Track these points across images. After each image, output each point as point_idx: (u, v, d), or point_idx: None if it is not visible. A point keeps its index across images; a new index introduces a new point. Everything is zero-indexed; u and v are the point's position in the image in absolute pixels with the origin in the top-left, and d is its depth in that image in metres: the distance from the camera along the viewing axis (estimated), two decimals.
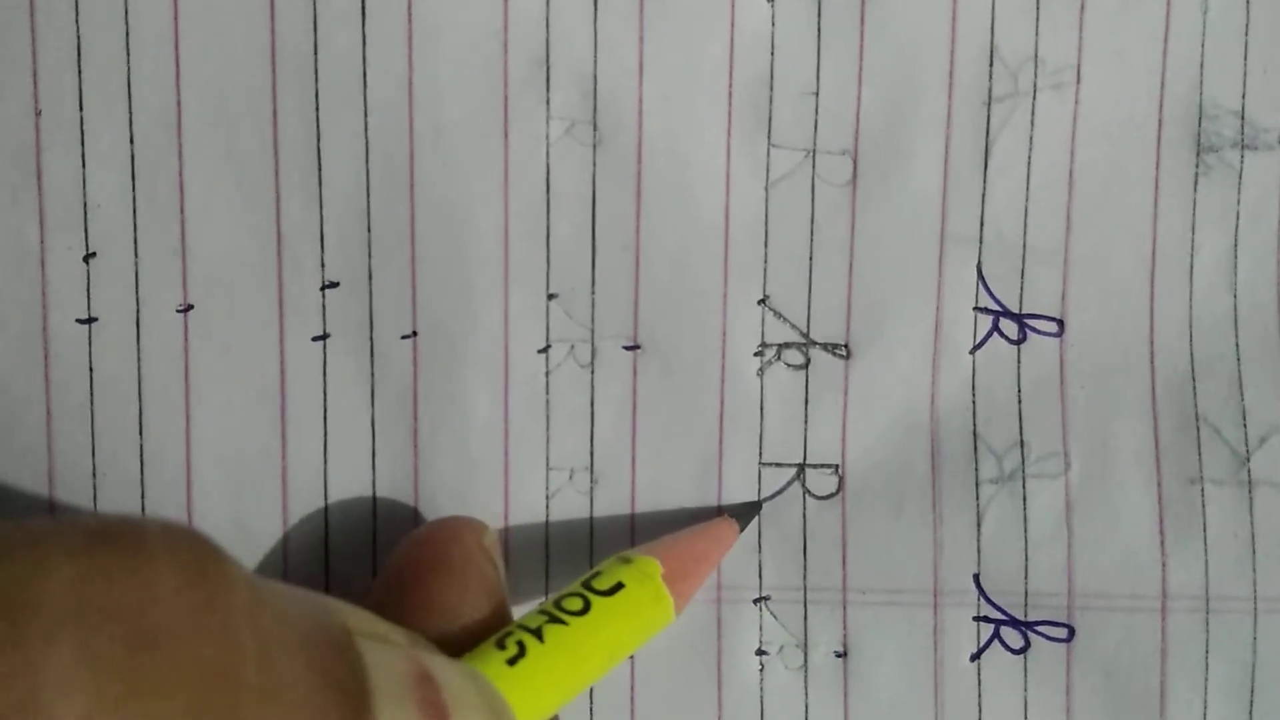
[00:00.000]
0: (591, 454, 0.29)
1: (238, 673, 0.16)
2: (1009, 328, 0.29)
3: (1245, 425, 0.29)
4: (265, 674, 0.17)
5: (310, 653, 0.18)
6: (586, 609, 0.25)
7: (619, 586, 0.25)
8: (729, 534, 0.29)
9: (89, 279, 0.28)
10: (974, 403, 0.29)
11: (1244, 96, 0.28)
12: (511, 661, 0.23)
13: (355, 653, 0.19)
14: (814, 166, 0.29)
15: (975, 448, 0.29)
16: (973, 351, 0.29)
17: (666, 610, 0.26)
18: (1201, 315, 0.29)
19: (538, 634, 0.24)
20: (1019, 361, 0.29)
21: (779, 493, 0.29)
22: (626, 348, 0.29)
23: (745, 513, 0.29)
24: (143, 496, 0.28)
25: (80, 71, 0.27)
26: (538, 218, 0.28)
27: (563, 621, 0.24)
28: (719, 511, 0.29)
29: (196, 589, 0.16)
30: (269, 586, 0.18)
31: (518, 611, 0.29)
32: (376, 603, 0.24)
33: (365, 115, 0.28)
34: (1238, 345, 0.29)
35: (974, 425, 0.29)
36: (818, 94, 0.28)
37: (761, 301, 0.29)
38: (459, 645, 0.24)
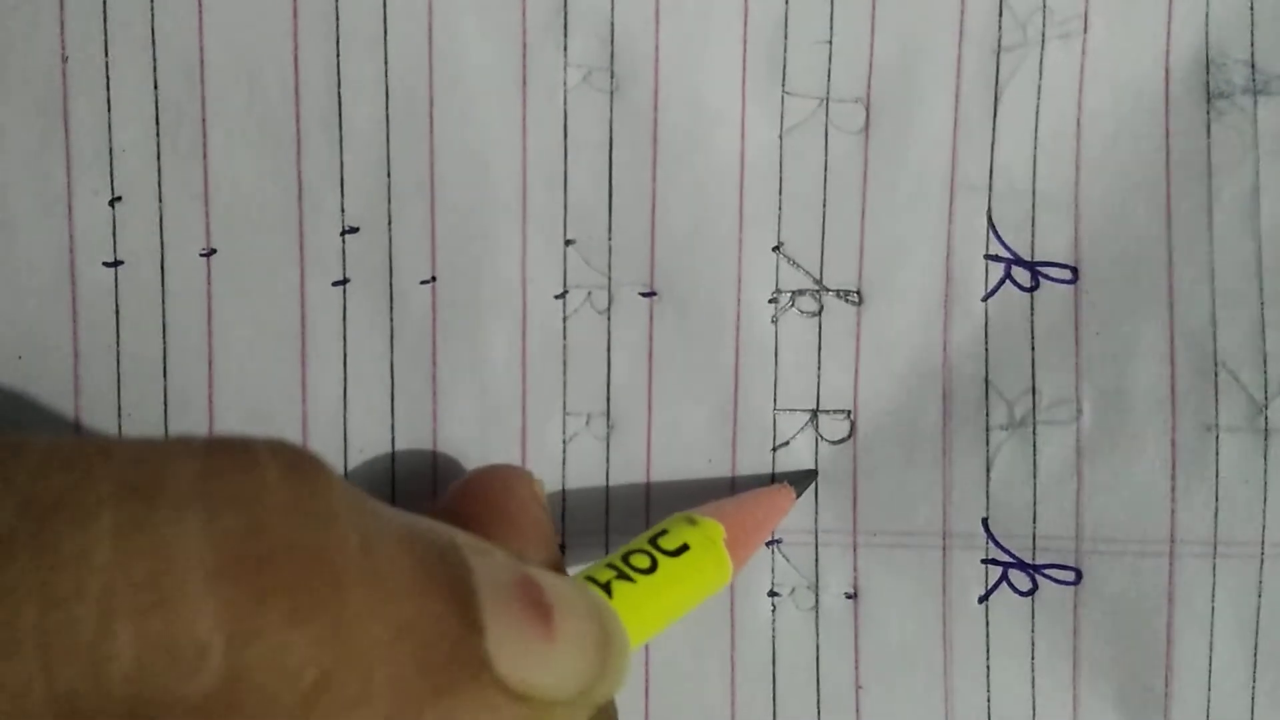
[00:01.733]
0: (608, 399, 0.30)
1: (341, 557, 0.18)
2: (1021, 275, 0.31)
3: (1265, 371, 0.30)
4: (368, 561, 0.18)
5: (414, 550, 0.20)
6: (653, 568, 0.26)
7: (684, 548, 0.27)
8: (786, 502, 0.30)
9: (115, 223, 0.29)
10: (986, 350, 0.31)
11: (1252, 45, 0.30)
12: None
13: (460, 556, 0.20)
14: (827, 114, 0.30)
15: (986, 394, 0.31)
16: (985, 299, 0.31)
17: (725, 574, 0.28)
18: (1223, 259, 0.30)
19: (606, 588, 0.25)
20: (1032, 308, 0.31)
21: (792, 438, 0.31)
22: (643, 294, 0.30)
23: (802, 480, 0.31)
24: (166, 436, 0.29)
25: (106, 18, 0.29)
26: (555, 164, 0.30)
27: (630, 579, 0.26)
28: (732, 471, 0.31)
29: (301, 486, 0.18)
30: (374, 500, 0.20)
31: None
32: None
33: (386, 62, 0.30)
34: (1261, 289, 0.30)
35: (985, 372, 0.31)
36: (831, 42, 0.30)
37: (776, 248, 0.30)
38: None
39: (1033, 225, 0.30)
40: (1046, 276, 0.31)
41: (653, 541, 0.27)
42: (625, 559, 0.26)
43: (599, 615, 0.22)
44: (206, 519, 0.17)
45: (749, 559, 0.29)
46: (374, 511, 0.19)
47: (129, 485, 0.17)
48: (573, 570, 0.27)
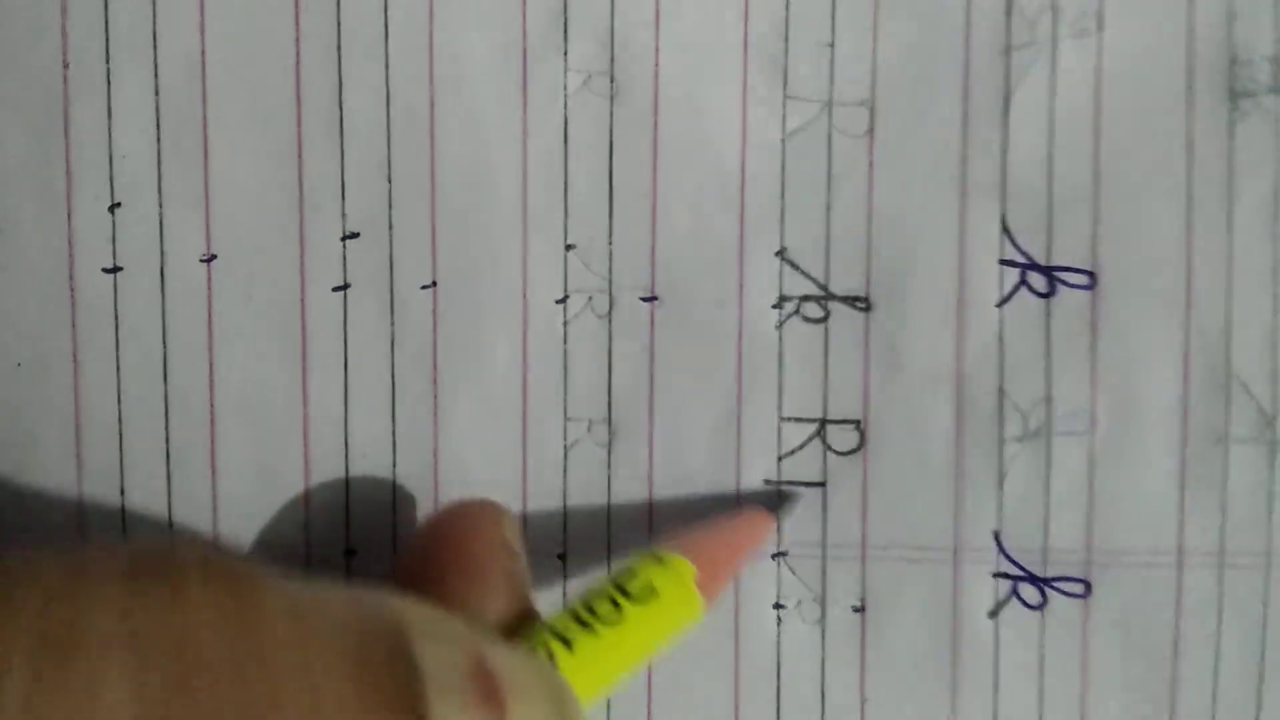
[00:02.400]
0: (609, 406, 0.30)
1: (277, 697, 0.18)
2: (1037, 281, 0.30)
3: (1276, 383, 0.30)
4: (306, 693, 0.18)
5: (357, 659, 0.19)
6: (618, 615, 0.26)
7: (651, 591, 0.27)
8: (764, 529, 0.30)
9: (114, 229, 0.30)
10: (1001, 358, 0.30)
11: (1277, 42, 0.29)
12: None
13: (408, 652, 0.20)
14: (830, 118, 0.30)
15: (1001, 404, 0.30)
16: (999, 305, 0.30)
17: (696, 614, 0.27)
18: (1242, 266, 0.30)
19: (567, 643, 0.25)
20: (1048, 315, 0.30)
21: (799, 448, 0.30)
22: (644, 299, 0.30)
23: (780, 503, 0.30)
24: (167, 444, 0.30)
25: (107, 24, 0.29)
26: (556, 169, 0.30)
27: (593, 629, 0.25)
28: (736, 481, 0.30)
29: (233, 620, 0.18)
30: (314, 595, 0.20)
31: (536, 574, 0.30)
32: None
33: (386, 67, 0.30)
34: (1276, 297, 0.30)
35: (1000, 381, 0.30)
36: (833, 45, 0.30)
37: (779, 253, 0.30)
38: None
39: (1049, 229, 0.30)
40: (1063, 282, 0.30)
41: (618, 585, 0.26)
42: (588, 606, 0.26)
43: (557, 701, 0.22)
44: (132, 668, 0.17)
45: (721, 593, 0.29)
46: (311, 622, 0.19)
47: (43, 634, 0.17)
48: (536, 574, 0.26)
